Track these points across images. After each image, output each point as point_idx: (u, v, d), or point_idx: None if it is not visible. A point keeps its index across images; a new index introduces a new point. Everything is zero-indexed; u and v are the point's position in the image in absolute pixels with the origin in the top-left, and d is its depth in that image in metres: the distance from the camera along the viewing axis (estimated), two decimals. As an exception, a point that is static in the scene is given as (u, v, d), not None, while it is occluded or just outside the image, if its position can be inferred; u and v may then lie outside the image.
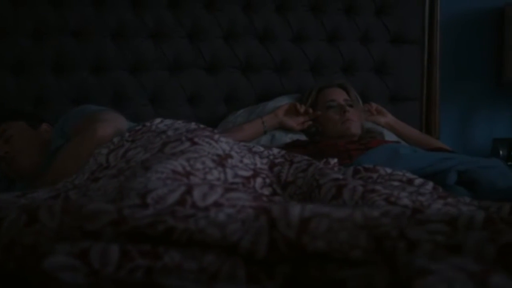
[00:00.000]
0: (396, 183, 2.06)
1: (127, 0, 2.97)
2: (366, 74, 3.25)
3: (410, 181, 2.07)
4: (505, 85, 3.49)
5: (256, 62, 3.12)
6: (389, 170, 2.12)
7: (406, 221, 1.53)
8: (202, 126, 2.20)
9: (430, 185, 2.07)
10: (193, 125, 2.16)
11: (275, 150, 2.19)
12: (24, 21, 2.84)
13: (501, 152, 3.20)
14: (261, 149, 2.20)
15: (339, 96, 2.94)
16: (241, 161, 1.94)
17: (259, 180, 1.92)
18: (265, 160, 2.13)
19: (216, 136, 1.97)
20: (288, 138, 2.91)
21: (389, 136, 3.08)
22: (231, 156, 1.91)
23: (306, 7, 3.16)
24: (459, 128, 3.54)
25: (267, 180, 1.95)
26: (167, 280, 1.09)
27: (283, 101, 3.01)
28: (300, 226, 1.27)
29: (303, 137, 2.95)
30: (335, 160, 2.25)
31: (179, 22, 3.01)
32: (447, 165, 2.28)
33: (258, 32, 3.12)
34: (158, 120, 2.22)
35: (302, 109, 2.91)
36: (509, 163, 3.18)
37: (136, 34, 2.98)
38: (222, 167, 1.82)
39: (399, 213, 1.42)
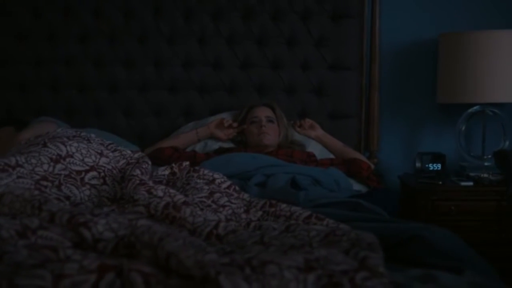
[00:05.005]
0: (200, 181, 2.65)
1: (106, 37, 3.73)
2: (306, 95, 3.73)
3: (213, 180, 2.65)
4: (438, 107, 3.82)
5: (209, 85, 3.74)
6: (206, 171, 2.71)
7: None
8: (83, 134, 2.87)
9: (226, 183, 2.64)
10: (67, 133, 2.83)
11: (136, 154, 2.82)
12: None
13: (417, 164, 3.56)
14: (129, 152, 2.85)
15: (262, 113, 3.49)
16: (82, 160, 2.60)
17: (92, 173, 2.56)
18: (123, 161, 2.79)
19: (70, 142, 2.64)
20: (217, 145, 3.52)
21: (314, 147, 3.58)
22: (71, 156, 2.59)
23: (251, 40, 3.72)
24: (399, 143, 3.91)
25: (102, 174, 2.60)
26: None
27: (223, 117, 3.61)
28: (-2, 198, 1.96)
29: (231, 145, 3.55)
30: (187, 162, 2.87)
31: (144, 54, 3.73)
32: (265, 171, 2.81)
33: (210, 61, 3.73)
34: (59, 129, 2.94)
35: (227, 123, 3.50)
36: (424, 174, 3.53)
37: (111, 63, 3.72)
38: (54, 163, 2.50)
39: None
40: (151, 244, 1.57)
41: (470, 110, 3.60)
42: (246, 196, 2.54)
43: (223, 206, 2.38)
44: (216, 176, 2.65)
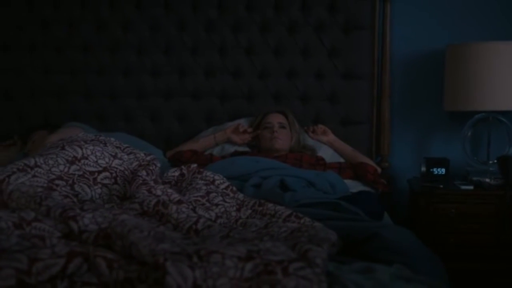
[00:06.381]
0: (202, 181, 2.84)
1: (134, 49, 3.99)
2: (319, 102, 3.90)
3: (213, 181, 2.84)
4: (447, 114, 3.95)
5: (229, 92, 3.94)
6: (208, 173, 2.90)
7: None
8: (101, 138, 3.10)
9: (224, 184, 2.83)
10: (87, 137, 3.06)
11: (149, 157, 3.04)
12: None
13: (422, 169, 3.69)
14: (142, 155, 3.07)
15: (275, 119, 3.68)
16: (96, 162, 2.84)
17: (104, 174, 2.78)
18: (136, 162, 3.01)
19: (86, 145, 2.87)
20: (233, 149, 3.72)
21: (325, 152, 3.76)
22: (86, 158, 2.82)
23: (268, 51, 3.91)
24: (409, 148, 4.05)
25: (114, 174, 2.83)
26: None
27: (240, 122, 3.82)
28: (9, 195, 2.23)
29: (246, 149, 3.75)
30: (195, 165, 3.07)
31: (169, 64, 3.96)
32: (263, 173, 3.00)
33: (230, 70, 3.94)
34: (81, 134, 3.18)
35: (242, 129, 3.71)
36: (428, 179, 3.66)
37: (139, 72, 3.98)
38: (70, 164, 2.73)
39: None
40: (121, 235, 1.78)
41: (475, 117, 3.70)
42: (241, 196, 2.73)
43: (216, 204, 2.56)
44: (216, 177, 2.84)
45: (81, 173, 2.74)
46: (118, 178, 2.82)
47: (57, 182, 2.59)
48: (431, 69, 3.95)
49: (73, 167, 2.74)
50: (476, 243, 3.47)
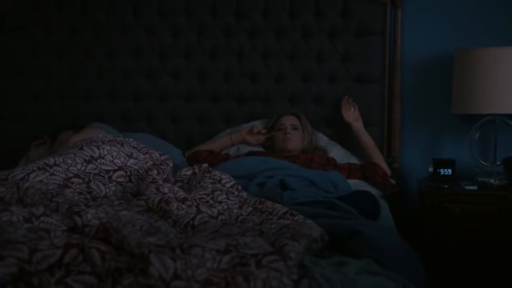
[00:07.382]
0: (209, 180, 2.98)
1: (157, 53, 4.17)
2: (332, 105, 4.03)
3: (220, 180, 2.98)
4: (457, 117, 4.03)
5: (246, 95, 4.08)
6: (217, 172, 3.03)
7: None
8: (119, 139, 3.27)
9: (230, 183, 2.97)
10: (105, 138, 3.23)
11: (163, 157, 3.19)
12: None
13: (429, 169, 3.79)
14: (157, 155, 3.22)
15: (288, 121, 3.81)
16: (112, 161, 3.00)
17: (119, 172, 2.93)
18: (151, 162, 3.16)
19: (103, 146, 3.03)
20: (248, 149, 3.87)
21: (336, 153, 3.88)
22: (102, 157, 2.99)
23: (284, 56, 4.03)
24: (420, 149, 4.14)
25: (128, 173, 2.98)
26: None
27: (255, 124, 3.97)
28: (24, 191, 2.41)
29: (260, 149, 3.89)
30: (206, 164, 3.21)
31: (190, 67, 4.12)
32: (268, 173, 3.13)
33: (247, 74, 4.08)
34: (100, 135, 3.35)
35: (256, 130, 3.85)
36: (435, 179, 3.75)
37: (161, 76, 4.14)
38: (87, 163, 2.89)
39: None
40: (116, 229, 1.94)
41: (482, 120, 3.78)
42: (245, 194, 2.86)
43: (220, 202, 2.69)
44: (223, 176, 2.97)
45: (97, 171, 2.89)
46: (132, 177, 2.97)
47: (73, 180, 2.74)
48: (440, 73, 4.03)
49: (90, 166, 2.90)
50: (479, 241, 3.55)
